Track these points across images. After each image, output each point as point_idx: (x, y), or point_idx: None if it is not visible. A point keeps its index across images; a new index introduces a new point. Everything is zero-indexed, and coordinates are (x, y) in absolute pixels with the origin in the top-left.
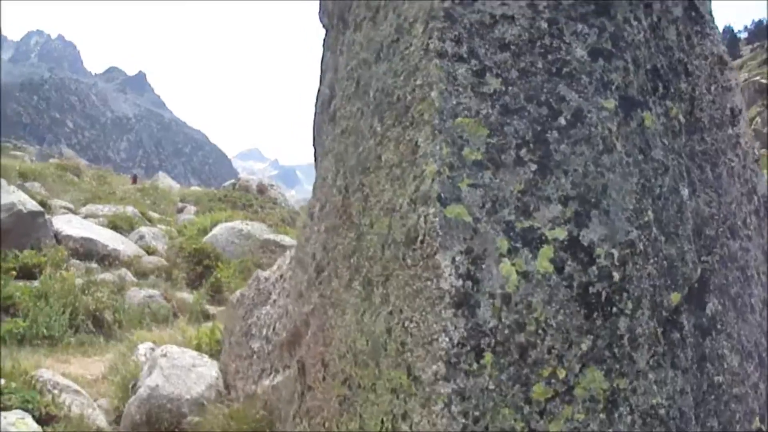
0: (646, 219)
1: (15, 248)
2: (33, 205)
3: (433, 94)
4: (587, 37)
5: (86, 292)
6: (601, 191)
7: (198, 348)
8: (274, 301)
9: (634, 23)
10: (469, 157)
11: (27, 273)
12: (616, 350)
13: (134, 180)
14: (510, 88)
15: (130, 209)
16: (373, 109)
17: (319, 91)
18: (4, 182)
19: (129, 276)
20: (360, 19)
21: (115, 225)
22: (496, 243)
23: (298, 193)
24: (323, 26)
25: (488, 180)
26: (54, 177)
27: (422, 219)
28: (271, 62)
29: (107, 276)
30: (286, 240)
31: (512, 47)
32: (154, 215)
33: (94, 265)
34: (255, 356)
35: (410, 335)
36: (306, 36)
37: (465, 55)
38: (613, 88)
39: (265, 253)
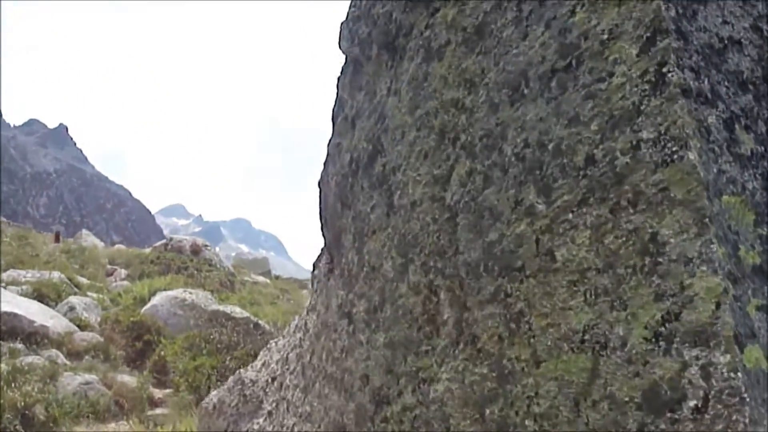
0: None
1: None
2: None
3: (691, 156)
4: None
5: (12, 383)
6: None
7: None
8: (270, 413)
9: None
10: (747, 261)
11: None
12: None
13: (57, 238)
14: (762, 148)
15: (56, 275)
16: (522, 175)
17: (338, 145)
18: None
19: (61, 358)
20: (440, 44)
21: (41, 293)
22: None
23: (223, 250)
24: (349, 57)
25: None
26: None
27: (695, 371)
28: (195, 116)
29: (35, 360)
30: (237, 312)
31: (751, 87)
32: (83, 280)
33: (19, 345)
34: None
35: None
36: (227, 88)
37: (709, 95)
38: None
39: (215, 326)
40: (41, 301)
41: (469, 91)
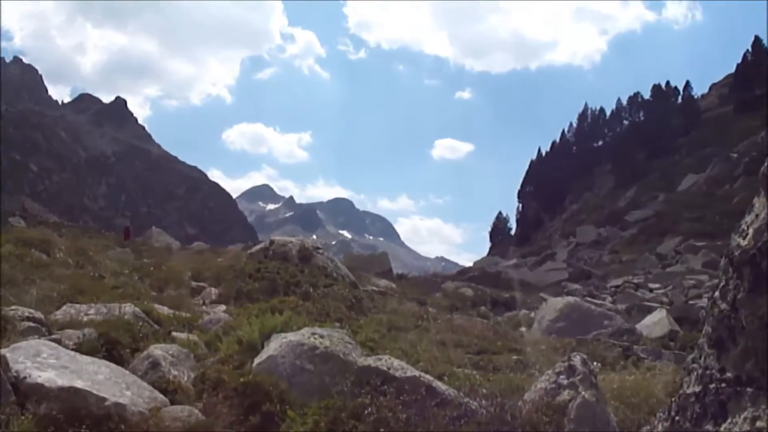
0: None
1: None
2: None
3: None
4: None
5: None
6: None
7: None
8: None
9: None
10: None
11: None
12: None
13: (127, 234)
14: None
15: (128, 309)
16: None
17: None
18: None
19: None
20: None
21: (110, 340)
22: None
23: (322, 238)
24: None
25: None
26: (14, 260)
27: None
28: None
29: None
30: (395, 366)
31: None
32: (163, 310)
33: None
34: None
35: None
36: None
37: None
38: None
39: (367, 392)
40: (111, 356)
41: None
